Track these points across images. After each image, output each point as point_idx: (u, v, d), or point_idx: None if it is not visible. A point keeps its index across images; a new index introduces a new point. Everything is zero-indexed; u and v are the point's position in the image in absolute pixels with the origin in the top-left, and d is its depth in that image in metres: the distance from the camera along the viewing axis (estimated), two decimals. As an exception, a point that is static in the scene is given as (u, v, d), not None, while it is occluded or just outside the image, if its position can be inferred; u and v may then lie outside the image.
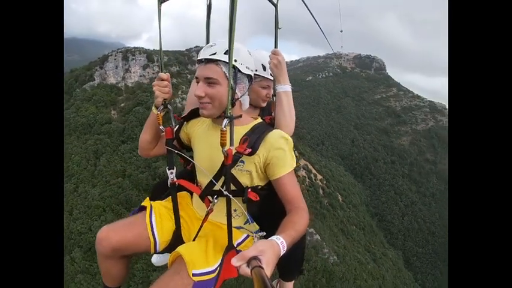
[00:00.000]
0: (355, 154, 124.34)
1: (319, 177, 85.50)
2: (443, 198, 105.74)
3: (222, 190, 1.73)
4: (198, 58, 1.80)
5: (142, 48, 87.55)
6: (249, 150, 1.71)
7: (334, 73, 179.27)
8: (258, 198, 1.79)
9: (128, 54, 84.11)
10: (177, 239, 1.93)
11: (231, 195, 1.71)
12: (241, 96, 1.84)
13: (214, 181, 1.79)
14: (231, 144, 1.64)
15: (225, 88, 1.72)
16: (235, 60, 1.72)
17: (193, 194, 2.08)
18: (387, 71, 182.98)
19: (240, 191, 1.79)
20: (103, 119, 70.90)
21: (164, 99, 1.98)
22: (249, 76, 1.85)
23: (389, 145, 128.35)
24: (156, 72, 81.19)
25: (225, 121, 1.62)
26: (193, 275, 1.58)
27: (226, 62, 1.70)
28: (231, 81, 1.71)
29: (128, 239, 1.83)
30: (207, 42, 2.13)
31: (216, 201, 1.83)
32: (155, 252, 1.95)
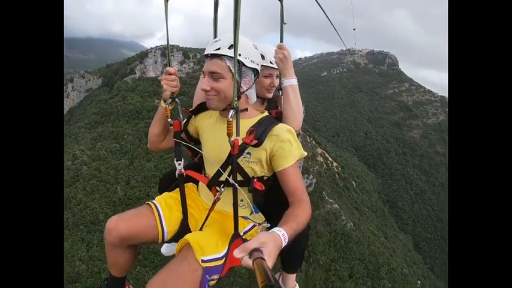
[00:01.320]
0: (368, 146, 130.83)
1: (335, 164, 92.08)
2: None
3: (229, 179, 1.79)
4: (204, 53, 1.86)
5: (178, 45, 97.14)
6: (255, 141, 1.75)
7: (348, 69, 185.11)
8: (264, 188, 1.84)
9: (166, 51, 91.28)
10: (184, 229, 1.97)
11: (237, 184, 1.76)
12: (246, 90, 1.87)
13: (221, 170, 1.85)
14: (237, 134, 1.69)
15: (230, 82, 1.77)
16: (240, 54, 1.75)
17: (200, 185, 2.13)
18: (400, 67, 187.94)
19: (246, 181, 1.84)
20: (149, 106, 79.24)
21: (172, 92, 2.02)
22: (254, 70, 1.88)
23: (401, 137, 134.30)
24: (191, 68, 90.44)
25: (231, 112, 1.68)
26: (202, 261, 1.61)
27: (230, 57, 1.75)
28: (236, 75, 1.75)
29: (136, 228, 1.87)
30: (215, 37, 2.12)
31: (223, 189, 1.86)
32: (163, 242, 2.00)
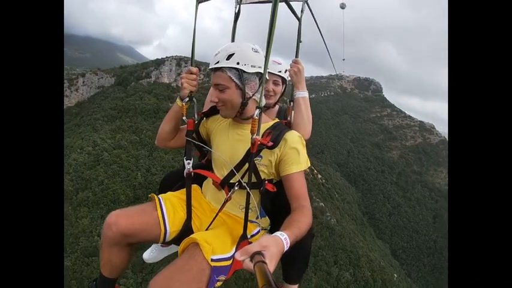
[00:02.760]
0: (350, 163, 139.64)
1: (319, 176, 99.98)
2: (426, 203, 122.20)
3: (241, 181, 1.80)
4: (209, 68, 1.91)
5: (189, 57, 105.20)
6: (271, 143, 1.78)
7: (335, 92, 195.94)
8: (275, 190, 1.86)
9: (181, 61, 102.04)
10: (186, 230, 1.90)
11: (249, 187, 1.75)
12: (253, 95, 1.89)
13: (235, 171, 1.85)
14: (257, 133, 1.71)
15: (234, 90, 1.84)
16: (238, 63, 1.82)
17: (205, 186, 2.13)
18: (383, 93, 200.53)
19: (258, 183, 1.85)
20: (166, 108, 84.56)
21: (190, 91, 2.03)
22: (258, 73, 1.89)
23: (380, 157, 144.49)
24: (202, 79, 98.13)
25: (257, 111, 1.72)
26: (212, 260, 1.55)
27: (229, 67, 1.82)
28: (239, 83, 1.84)
29: (139, 225, 1.81)
30: None
31: (236, 188, 1.85)
32: (163, 242, 1.92)
